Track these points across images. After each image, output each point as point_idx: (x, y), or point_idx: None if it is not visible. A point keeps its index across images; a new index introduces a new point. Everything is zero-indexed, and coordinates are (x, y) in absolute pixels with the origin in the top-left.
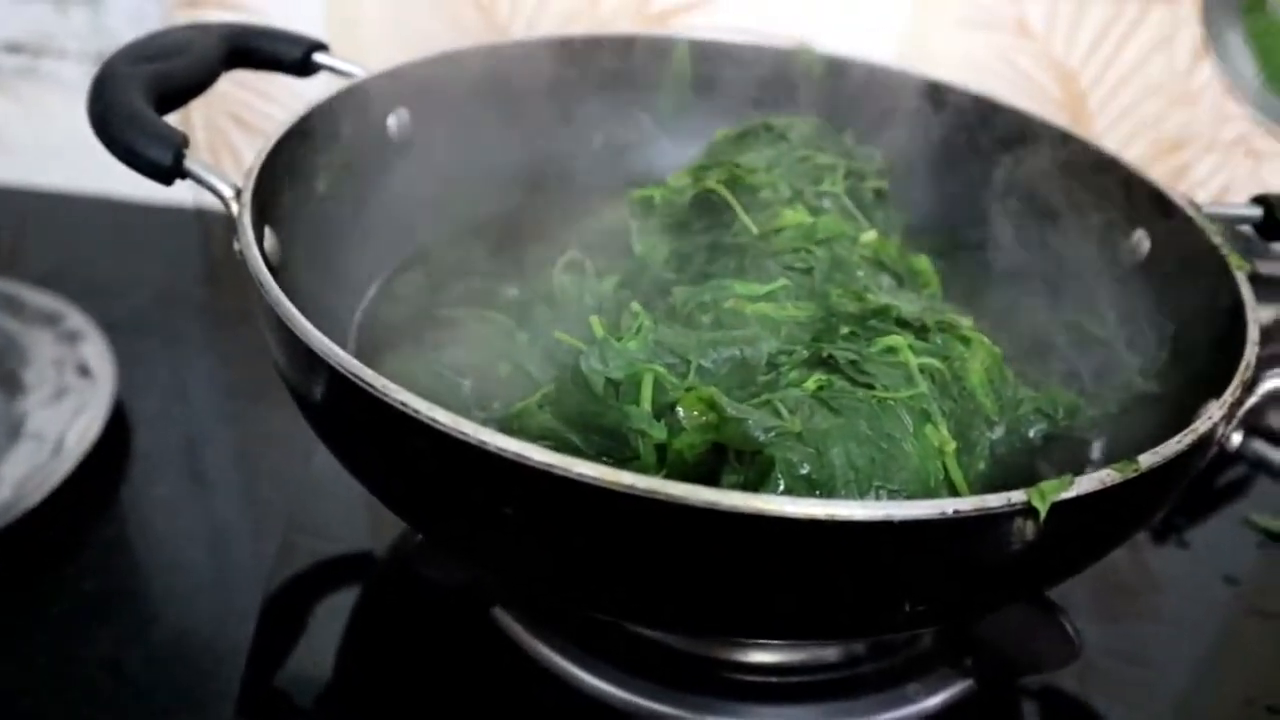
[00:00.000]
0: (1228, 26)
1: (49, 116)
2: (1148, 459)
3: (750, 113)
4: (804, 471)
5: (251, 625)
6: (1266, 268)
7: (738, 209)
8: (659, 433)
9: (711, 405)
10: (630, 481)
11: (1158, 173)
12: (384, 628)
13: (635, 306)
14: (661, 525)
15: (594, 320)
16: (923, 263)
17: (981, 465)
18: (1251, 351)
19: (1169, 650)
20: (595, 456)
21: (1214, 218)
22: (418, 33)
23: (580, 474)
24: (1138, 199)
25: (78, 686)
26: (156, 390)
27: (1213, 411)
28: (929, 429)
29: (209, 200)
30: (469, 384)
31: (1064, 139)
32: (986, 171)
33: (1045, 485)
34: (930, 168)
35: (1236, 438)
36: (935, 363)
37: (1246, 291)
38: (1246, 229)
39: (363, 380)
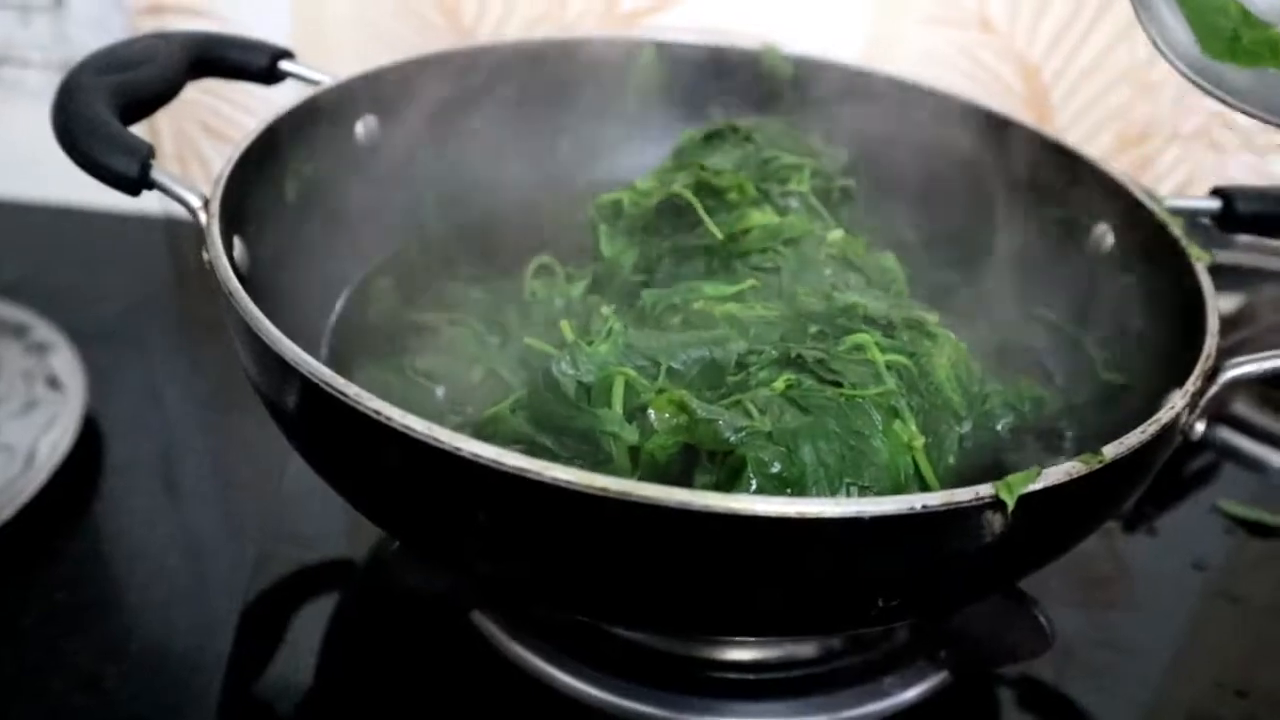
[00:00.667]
0: None
1: (12, 126)
2: (1112, 450)
3: (717, 114)
4: (775, 470)
5: (229, 635)
6: (1227, 257)
7: (702, 213)
8: (631, 435)
9: (682, 407)
10: (604, 484)
11: (1122, 165)
12: (363, 634)
13: (605, 310)
14: (635, 527)
15: (564, 325)
16: (889, 260)
17: (951, 459)
18: (1211, 342)
19: (1140, 636)
20: (569, 460)
21: (1174, 210)
22: (384, 38)
23: (554, 478)
24: (1101, 193)
25: (52, 698)
26: (128, 401)
27: (1175, 401)
28: (897, 425)
29: (178, 209)
30: (442, 390)
31: (1027, 135)
32: (952, 169)
33: (1012, 478)
34: (896, 166)
35: (1200, 426)
36: (902, 359)
37: (1206, 283)
38: (1206, 220)
39: (334, 388)
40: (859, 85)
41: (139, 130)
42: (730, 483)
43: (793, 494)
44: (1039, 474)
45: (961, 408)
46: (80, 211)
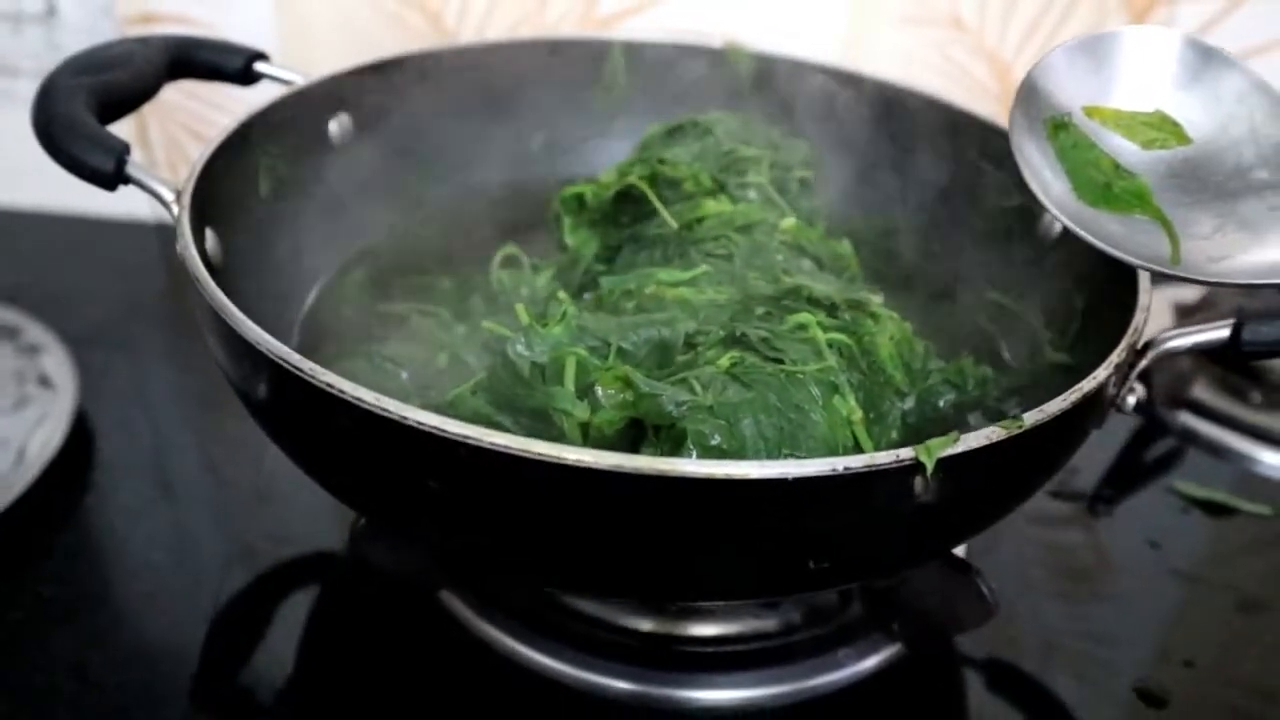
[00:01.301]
0: (1035, 144)
1: (4, 134)
2: (1032, 416)
3: (685, 111)
4: (715, 442)
5: (214, 627)
6: None
7: (655, 202)
8: (582, 412)
9: (627, 383)
10: (540, 450)
11: None
12: (340, 623)
13: (561, 295)
14: (572, 491)
15: (519, 308)
16: (844, 247)
17: (894, 434)
18: (1141, 317)
19: (1097, 613)
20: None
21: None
22: (369, 45)
23: (493, 443)
24: None
25: (40, 691)
26: (118, 400)
27: (1098, 373)
28: (837, 400)
29: (168, 215)
30: (407, 374)
31: (982, 127)
32: (911, 161)
33: (931, 442)
34: (858, 158)
35: (1131, 400)
36: (844, 338)
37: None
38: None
39: (290, 364)
40: (818, 79)
41: (129, 137)
42: (673, 455)
43: None
44: (957, 438)
45: (904, 384)
46: (72, 218)
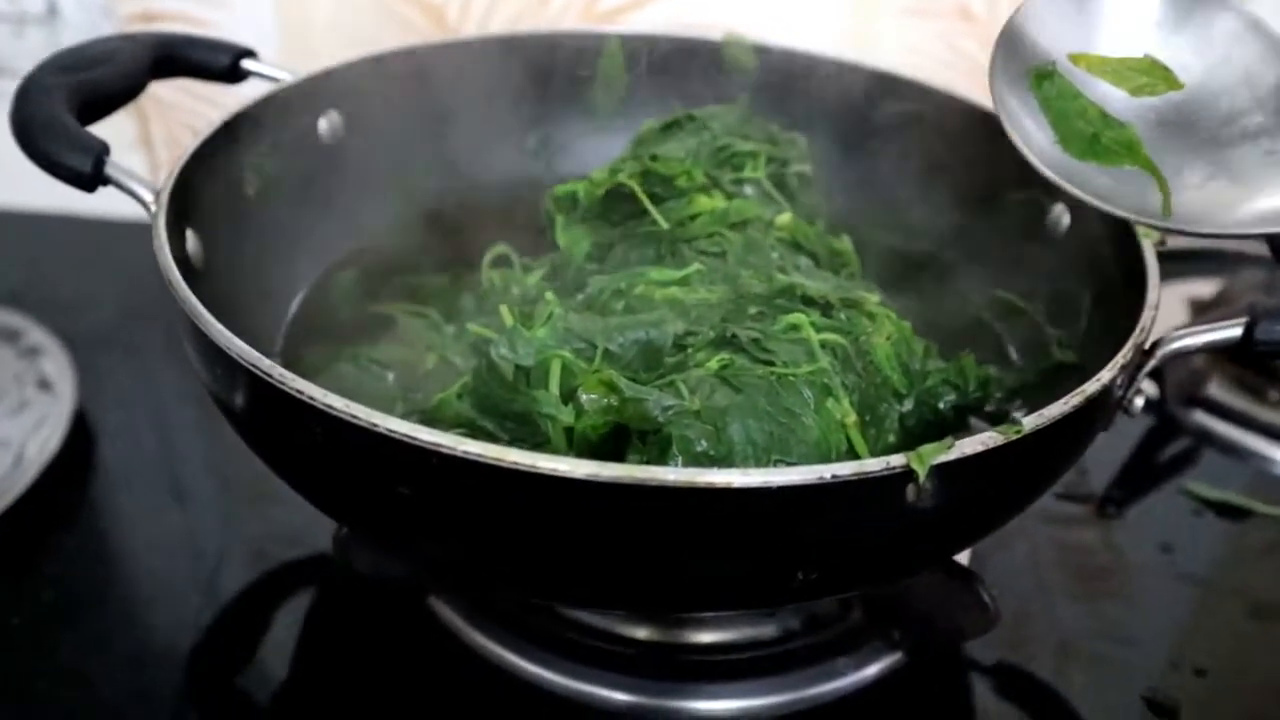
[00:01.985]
0: (1016, 95)
1: (5, 135)
2: (1031, 421)
3: (681, 105)
4: (701, 448)
5: (212, 630)
6: (1207, 243)
7: (645, 200)
8: (567, 416)
9: (611, 387)
10: (514, 458)
11: None
12: (334, 627)
13: (549, 295)
14: (549, 500)
15: (503, 309)
16: (844, 244)
17: (891, 438)
18: (1149, 315)
19: (1107, 619)
20: (509, 443)
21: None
22: (369, 40)
23: (465, 452)
24: None
25: (39, 694)
26: (117, 402)
27: (1102, 375)
28: (830, 403)
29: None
30: (394, 377)
31: (985, 119)
32: (916, 154)
33: (924, 448)
34: (862, 152)
35: (1139, 401)
36: (838, 338)
37: (1151, 260)
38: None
39: (259, 368)
40: (820, 72)
41: (129, 138)
42: (658, 461)
43: None
44: (951, 444)
45: (902, 386)
46: (73, 220)
